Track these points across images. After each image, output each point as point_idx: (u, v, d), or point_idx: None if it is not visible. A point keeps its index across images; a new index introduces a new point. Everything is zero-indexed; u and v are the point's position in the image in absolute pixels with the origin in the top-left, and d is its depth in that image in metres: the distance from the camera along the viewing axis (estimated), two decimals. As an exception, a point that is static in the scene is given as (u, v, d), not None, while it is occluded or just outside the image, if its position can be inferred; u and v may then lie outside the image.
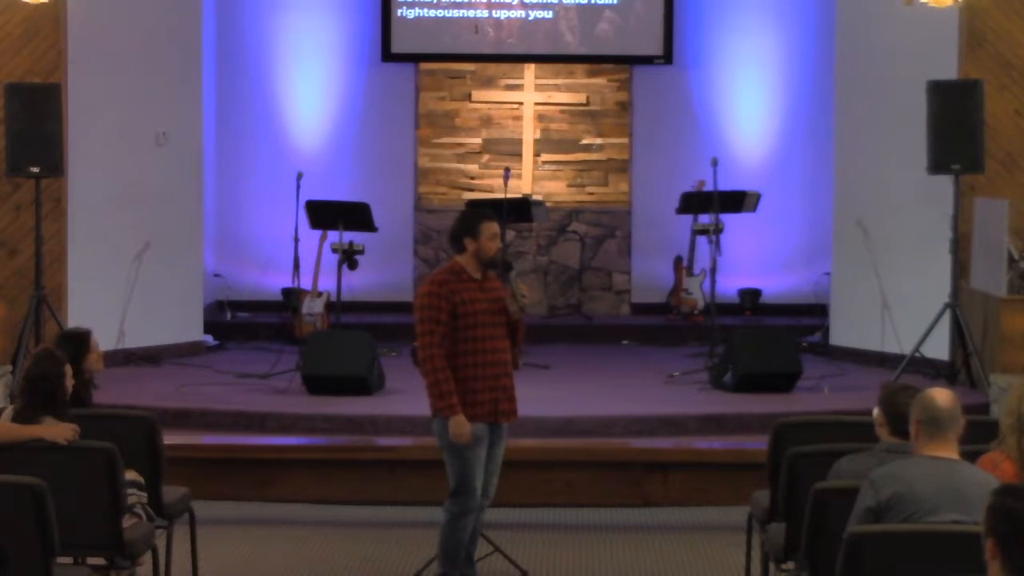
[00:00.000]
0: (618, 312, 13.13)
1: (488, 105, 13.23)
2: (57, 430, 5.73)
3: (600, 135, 13.21)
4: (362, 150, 13.18)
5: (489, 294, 6.49)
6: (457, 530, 6.45)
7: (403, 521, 7.88)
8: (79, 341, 6.52)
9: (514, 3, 13.08)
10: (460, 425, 6.33)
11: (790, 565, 5.68)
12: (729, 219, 11.32)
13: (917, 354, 9.98)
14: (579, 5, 13.08)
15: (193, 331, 11.55)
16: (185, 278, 11.42)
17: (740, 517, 6.82)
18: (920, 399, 4.78)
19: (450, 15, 13.08)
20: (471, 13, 13.07)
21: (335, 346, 9.67)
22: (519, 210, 11.23)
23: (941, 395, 4.76)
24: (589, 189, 13.22)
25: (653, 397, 9.64)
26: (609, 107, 13.21)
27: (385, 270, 12.93)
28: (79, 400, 6.24)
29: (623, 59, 13.15)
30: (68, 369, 5.96)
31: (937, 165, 9.83)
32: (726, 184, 11.13)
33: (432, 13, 13.06)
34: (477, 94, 13.22)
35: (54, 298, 10.08)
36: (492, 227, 6.48)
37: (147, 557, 6.03)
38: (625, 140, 13.21)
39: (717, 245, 10.79)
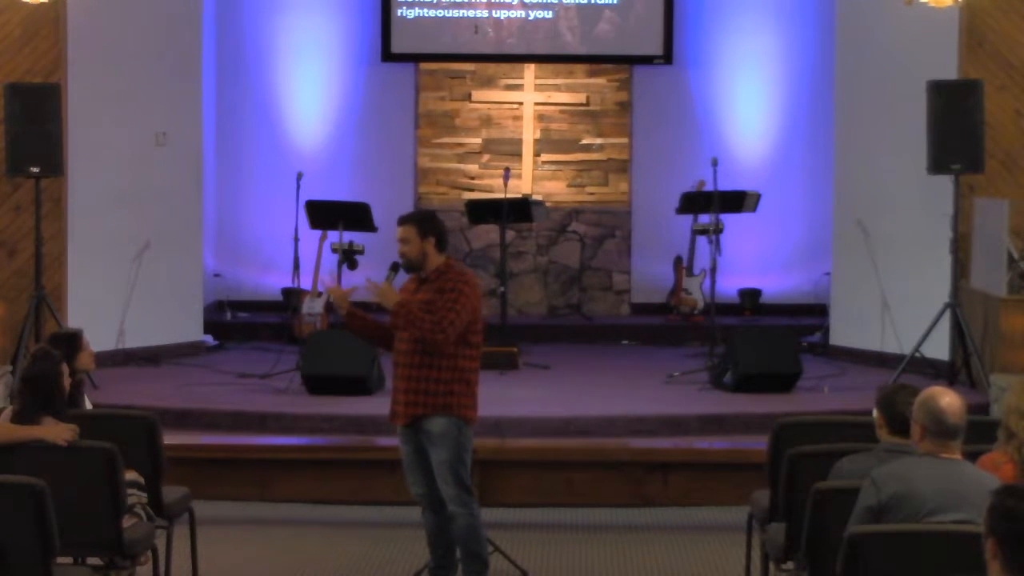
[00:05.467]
0: (618, 312, 13.12)
1: (488, 105, 13.23)
2: (56, 431, 5.72)
3: (600, 135, 13.20)
4: (362, 150, 13.16)
5: (415, 295, 6.47)
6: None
7: (403, 521, 7.87)
8: (70, 341, 6.52)
9: (514, 3, 13.07)
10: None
11: (790, 565, 5.68)
12: (729, 219, 11.32)
13: (917, 354, 9.98)
14: (579, 5, 13.07)
15: (193, 331, 11.54)
16: (185, 278, 11.42)
17: (740, 517, 6.82)
18: (927, 404, 4.68)
19: (450, 15, 13.07)
20: (471, 13, 13.06)
21: (335, 346, 9.66)
22: (519, 210, 11.22)
23: (950, 405, 4.65)
24: (589, 189, 13.22)
25: (653, 397, 9.64)
26: (609, 107, 13.20)
27: (385, 270, 12.83)
28: (72, 400, 6.24)
29: (623, 59, 13.14)
30: (65, 368, 5.96)
31: (937, 165, 9.83)
32: (726, 184, 11.13)
33: (432, 13, 13.05)
34: (477, 94, 13.22)
35: (54, 298, 10.08)
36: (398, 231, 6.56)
37: (147, 557, 6.04)
38: (625, 140, 13.20)
39: (717, 245, 10.78)
